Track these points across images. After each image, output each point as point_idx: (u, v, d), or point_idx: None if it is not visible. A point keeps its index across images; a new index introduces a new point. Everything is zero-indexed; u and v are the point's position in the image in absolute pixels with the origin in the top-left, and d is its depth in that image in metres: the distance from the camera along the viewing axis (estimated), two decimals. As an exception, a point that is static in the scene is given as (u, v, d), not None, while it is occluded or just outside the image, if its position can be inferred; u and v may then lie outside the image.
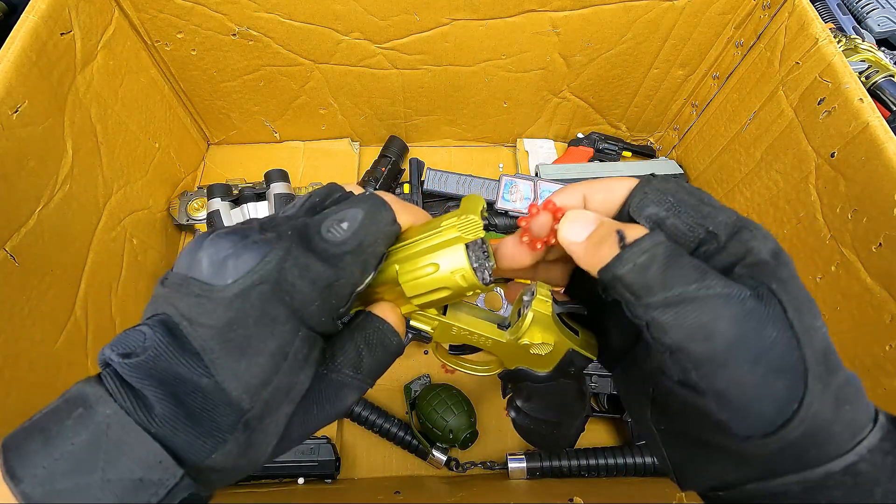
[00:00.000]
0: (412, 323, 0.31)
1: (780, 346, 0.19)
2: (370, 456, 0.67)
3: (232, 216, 0.73)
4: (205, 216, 0.75)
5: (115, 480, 0.17)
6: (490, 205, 0.79)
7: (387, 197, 0.25)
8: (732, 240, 0.21)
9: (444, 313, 0.32)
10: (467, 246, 0.26)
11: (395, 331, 0.26)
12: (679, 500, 0.38)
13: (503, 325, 0.33)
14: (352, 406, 0.26)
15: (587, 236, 0.23)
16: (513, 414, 0.40)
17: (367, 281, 0.25)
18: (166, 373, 0.19)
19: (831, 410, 0.19)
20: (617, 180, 0.25)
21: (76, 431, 0.18)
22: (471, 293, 0.27)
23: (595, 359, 0.32)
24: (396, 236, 0.26)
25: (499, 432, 0.69)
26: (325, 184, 0.26)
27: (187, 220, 0.77)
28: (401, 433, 0.65)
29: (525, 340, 0.31)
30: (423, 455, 0.65)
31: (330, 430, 0.67)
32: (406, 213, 0.26)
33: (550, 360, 0.33)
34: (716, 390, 0.19)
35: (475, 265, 0.26)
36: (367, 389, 0.25)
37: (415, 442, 0.65)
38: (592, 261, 0.23)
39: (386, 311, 0.27)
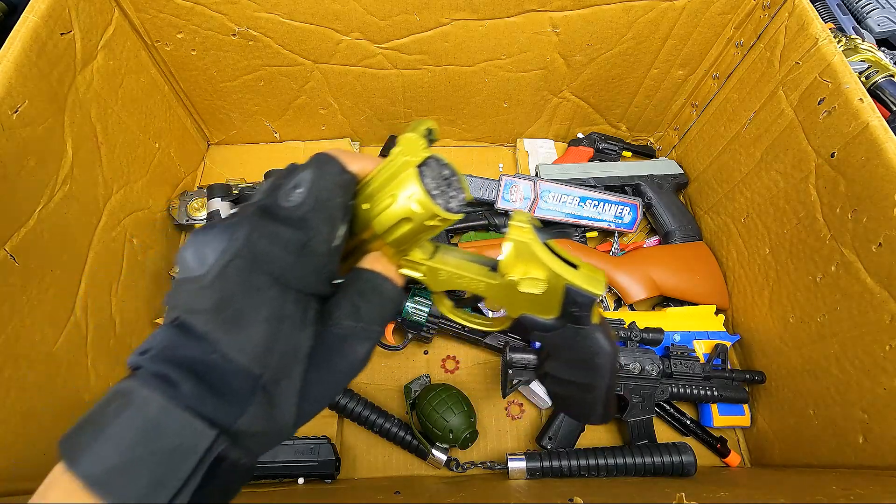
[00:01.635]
0: (403, 271, 0.29)
1: None
2: (370, 456, 0.67)
3: (232, 216, 0.73)
4: (205, 216, 0.75)
5: (158, 451, 0.19)
6: (490, 205, 0.80)
7: (334, 151, 0.26)
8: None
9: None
10: (420, 171, 0.25)
11: (386, 276, 0.27)
12: (679, 500, 0.38)
13: (496, 267, 0.30)
14: (366, 357, 0.26)
15: None
16: (542, 383, 0.37)
17: (341, 234, 0.25)
18: (182, 357, 0.21)
19: None
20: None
21: (119, 416, 0.20)
22: (437, 222, 0.25)
23: (600, 294, 0.28)
24: (354, 184, 0.26)
25: (499, 432, 0.69)
26: None
27: (187, 220, 0.77)
28: (401, 433, 0.65)
29: (512, 277, 0.28)
30: (423, 455, 0.65)
31: (330, 430, 0.67)
32: (357, 161, 0.26)
33: (551, 302, 0.29)
34: None
35: (434, 192, 0.25)
36: (375, 337, 0.26)
37: (415, 442, 0.65)
38: None
39: (373, 262, 0.28)
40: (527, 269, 0.28)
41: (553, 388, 0.37)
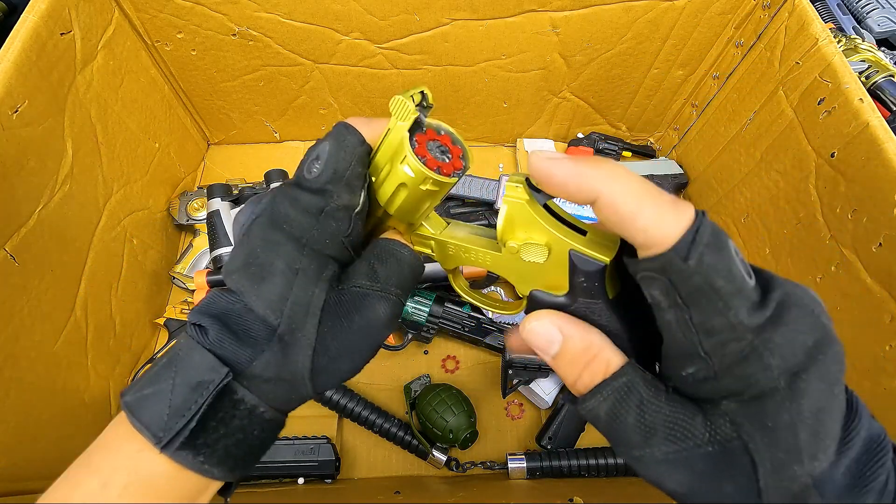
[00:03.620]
0: (415, 248, 0.30)
1: (738, 501, 0.19)
2: (370, 456, 0.67)
3: (232, 216, 0.73)
4: (205, 216, 0.75)
5: (181, 384, 0.23)
6: (490, 205, 0.79)
7: (353, 120, 0.26)
8: (732, 370, 0.19)
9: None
10: (411, 135, 0.25)
11: (404, 243, 0.28)
12: (679, 500, 0.38)
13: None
14: (386, 318, 0.25)
15: (556, 353, 0.24)
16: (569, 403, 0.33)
17: (360, 201, 0.26)
18: (217, 309, 0.25)
19: None
20: (677, 209, 0.19)
21: (160, 359, 0.24)
22: (432, 186, 0.25)
23: (607, 260, 0.23)
24: (370, 153, 0.26)
25: (499, 432, 0.69)
26: None
27: (187, 220, 0.77)
28: (401, 433, 0.65)
29: (511, 243, 0.26)
30: (423, 455, 0.65)
31: (330, 430, 0.67)
32: (371, 127, 0.27)
33: (558, 272, 0.25)
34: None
35: (427, 155, 0.25)
36: (394, 299, 0.26)
37: (415, 442, 0.65)
38: (570, 379, 0.23)
39: (392, 233, 0.29)
40: (527, 234, 0.25)
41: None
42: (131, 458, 0.22)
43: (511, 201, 0.25)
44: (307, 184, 0.25)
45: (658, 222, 0.18)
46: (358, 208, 0.26)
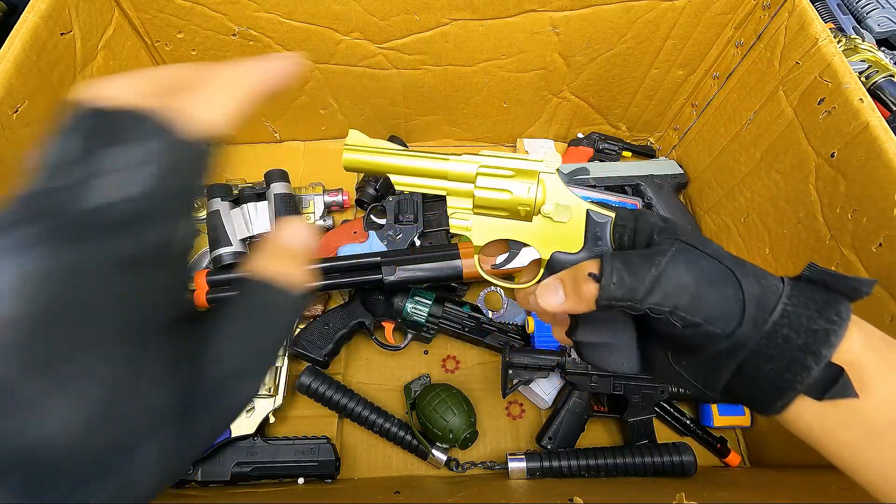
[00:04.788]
0: (452, 229, 0.36)
1: (713, 269, 0.28)
2: (370, 456, 0.67)
3: (232, 216, 0.73)
4: (205, 216, 0.75)
5: None
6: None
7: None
8: (638, 222, 0.32)
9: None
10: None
11: (278, 285, 0.22)
12: (679, 500, 0.38)
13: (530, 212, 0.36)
14: (251, 397, 0.21)
15: (566, 296, 0.31)
16: (581, 357, 0.36)
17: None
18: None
19: (756, 286, 0.28)
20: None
21: None
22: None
23: (612, 215, 0.33)
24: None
25: (499, 432, 0.69)
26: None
27: (187, 220, 0.77)
28: (401, 433, 0.65)
29: (546, 207, 0.34)
30: (423, 455, 0.65)
31: (330, 430, 0.67)
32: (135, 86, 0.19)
33: (576, 232, 0.34)
34: (705, 316, 0.27)
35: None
36: (264, 373, 0.22)
37: (415, 442, 0.65)
38: (581, 306, 0.30)
39: (264, 264, 0.22)
40: (558, 200, 0.34)
41: (590, 356, 0.35)
42: None
43: (549, 176, 0.34)
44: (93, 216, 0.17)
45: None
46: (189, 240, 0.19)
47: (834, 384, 0.25)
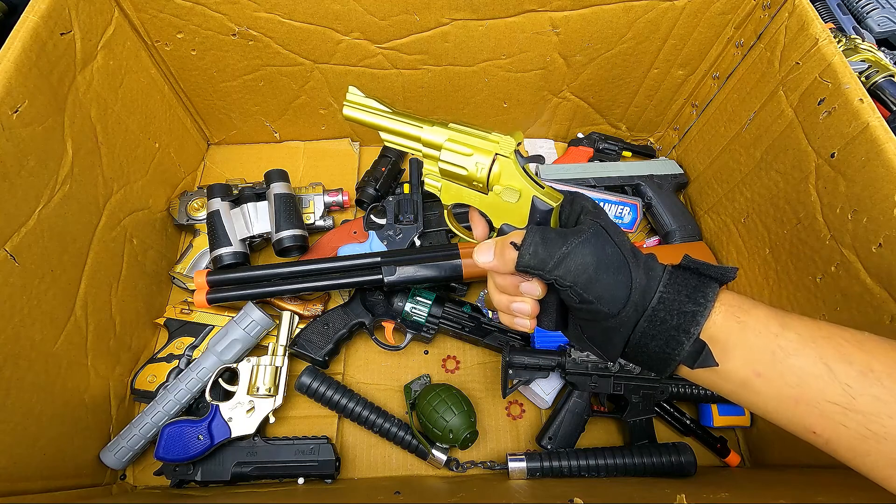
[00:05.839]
0: (427, 179, 0.42)
1: (614, 256, 0.33)
2: (370, 456, 0.67)
3: (232, 216, 0.73)
4: (205, 216, 0.75)
5: None
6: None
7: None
8: (573, 205, 0.37)
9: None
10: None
11: None
12: (679, 501, 0.38)
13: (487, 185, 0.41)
14: None
15: (494, 256, 0.36)
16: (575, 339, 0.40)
17: None
18: None
19: (644, 277, 0.32)
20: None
21: None
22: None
23: (554, 205, 0.39)
24: None
25: (499, 432, 0.69)
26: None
27: (187, 220, 0.77)
28: (401, 433, 0.65)
29: (497, 187, 0.39)
30: (423, 455, 0.65)
31: (330, 430, 0.67)
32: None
33: (524, 211, 0.39)
34: (596, 296, 0.32)
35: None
36: None
37: (415, 442, 0.65)
38: (504, 268, 0.35)
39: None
40: (508, 182, 0.39)
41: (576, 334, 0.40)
42: None
43: (502, 159, 0.39)
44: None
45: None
46: None
47: (699, 355, 0.31)
